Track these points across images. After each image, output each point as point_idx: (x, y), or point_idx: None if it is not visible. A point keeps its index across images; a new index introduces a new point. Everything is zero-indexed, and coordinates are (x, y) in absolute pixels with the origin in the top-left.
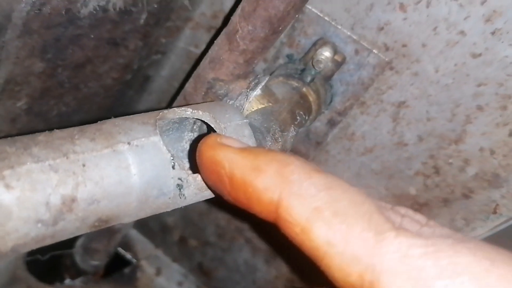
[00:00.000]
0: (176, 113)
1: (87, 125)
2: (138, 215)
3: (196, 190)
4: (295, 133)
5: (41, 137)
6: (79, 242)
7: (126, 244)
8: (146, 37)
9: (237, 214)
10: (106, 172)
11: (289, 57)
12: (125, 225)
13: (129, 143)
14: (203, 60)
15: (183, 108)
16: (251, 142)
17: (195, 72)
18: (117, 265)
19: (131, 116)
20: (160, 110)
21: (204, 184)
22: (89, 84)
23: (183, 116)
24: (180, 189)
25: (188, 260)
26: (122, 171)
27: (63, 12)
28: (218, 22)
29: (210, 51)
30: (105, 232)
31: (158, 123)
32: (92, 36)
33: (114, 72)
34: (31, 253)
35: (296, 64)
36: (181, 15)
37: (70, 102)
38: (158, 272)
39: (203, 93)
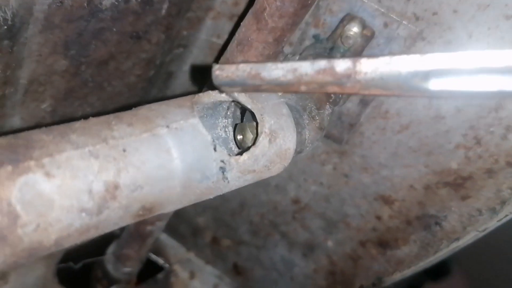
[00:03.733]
0: (211, 96)
1: (122, 112)
2: (182, 202)
3: (238, 174)
4: (330, 111)
5: (78, 124)
6: (110, 250)
7: (157, 249)
8: (168, 29)
9: (271, 209)
10: (147, 157)
11: (316, 37)
12: (156, 228)
13: (167, 126)
14: (230, 44)
15: (217, 90)
16: (290, 120)
17: (222, 58)
18: (149, 271)
19: (165, 101)
20: (194, 94)
21: (246, 167)
22: (113, 83)
23: (218, 100)
24: (223, 172)
25: (221, 261)
26: (163, 154)
27: (85, 4)
28: (240, 8)
29: (237, 34)
30: (136, 236)
31: (195, 106)
32: (114, 30)
33: (138, 69)
34: (62, 262)
35: (323, 44)
36: (202, 4)
37: (94, 102)
38: (192, 275)
39: None
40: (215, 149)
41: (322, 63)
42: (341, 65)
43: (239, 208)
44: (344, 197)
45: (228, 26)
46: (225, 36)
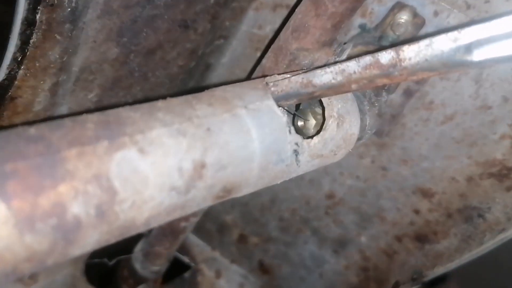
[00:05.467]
0: (276, 79)
1: (198, 93)
2: (256, 185)
3: (308, 158)
4: (386, 98)
5: (160, 103)
6: (138, 248)
7: (182, 247)
8: (214, 18)
9: (303, 204)
10: (229, 137)
11: (362, 27)
12: (190, 224)
13: (246, 107)
14: (284, 31)
15: (283, 74)
16: (355, 105)
17: (273, 46)
18: (173, 270)
19: (237, 83)
20: (263, 77)
21: (316, 151)
22: (157, 73)
23: None
24: (296, 155)
25: (247, 259)
26: (244, 135)
27: None
28: None
29: (291, 21)
30: (169, 233)
31: (268, 88)
32: (166, 18)
33: (181, 59)
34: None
35: (371, 33)
36: None
37: (137, 93)
38: (218, 274)
39: (284, 66)
40: (289, 132)
41: (367, 59)
42: (385, 56)
43: (270, 203)
44: (381, 191)
45: (271, 17)
46: (267, 27)
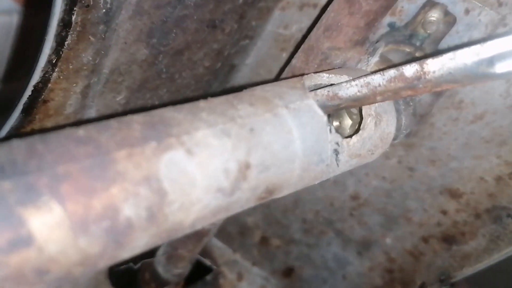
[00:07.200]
0: (312, 78)
1: (237, 93)
2: (297, 185)
3: (347, 157)
4: (420, 97)
5: (202, 104)
6: (160, 251)
7: (203, 250)
8: (241, 18)
9: (327, 205)
10: (272, 137)
11: (391, 25)
12: (214, 227)
13: (286, 107)
14: (315, 30)
15: (319, 73)
16: (391, 104)
17: (304, 45)
18: (195, 273)
19: (274, 82)
20: (300, 76)
21: (355, 151)
22: (183, 74)
23: (319, 82)
24: (336, 155)
25: (269, 262)
26: (286, 135)
27: None
28: None
29: (323, 20)
30: (192, 236)
31: (306, 88)
32: (195, 18)
33: (207, 60)
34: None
35: (402, 31)
36: None
37: (163, 95)
38: (240, 277)
39: (315, 66)
40: (330, 131)
41: (391, 72)
42: (410, 70)
43: (293, 205)
44: (407, 192)
45: (297, 16)
46: (293, 27)
